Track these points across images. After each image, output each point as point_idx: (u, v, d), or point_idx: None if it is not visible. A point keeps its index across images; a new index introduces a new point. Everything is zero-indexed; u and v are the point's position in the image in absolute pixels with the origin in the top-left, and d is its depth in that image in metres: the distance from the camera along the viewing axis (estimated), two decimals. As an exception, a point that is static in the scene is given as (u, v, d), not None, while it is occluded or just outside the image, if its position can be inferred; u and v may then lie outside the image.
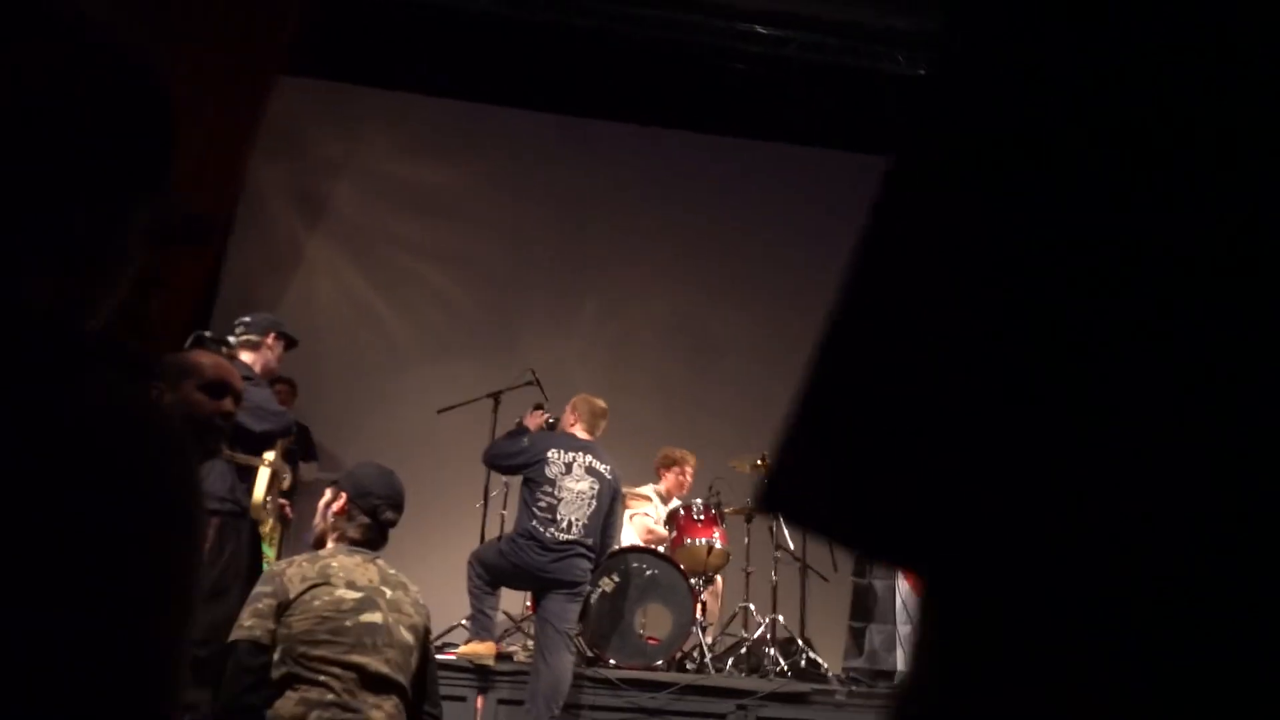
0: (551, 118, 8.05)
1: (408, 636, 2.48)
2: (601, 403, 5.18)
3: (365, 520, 2.57)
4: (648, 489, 6.03)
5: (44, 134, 0.63)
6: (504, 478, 5.44)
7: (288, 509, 4.64)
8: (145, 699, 0.55)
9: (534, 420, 5.15)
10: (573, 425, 5.08)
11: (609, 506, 4.95)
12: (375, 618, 2.44)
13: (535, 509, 4.73)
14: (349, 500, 2.59)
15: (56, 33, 0.64)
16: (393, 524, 2.66)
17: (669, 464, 6.03)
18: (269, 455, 4.10)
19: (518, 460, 4.85)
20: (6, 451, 0.54)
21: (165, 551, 0.58)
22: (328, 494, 2.66)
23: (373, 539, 2.60)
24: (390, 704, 2.37)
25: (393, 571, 2.63)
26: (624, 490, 5.87)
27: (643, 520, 5.90)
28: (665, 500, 5.99)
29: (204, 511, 0.63)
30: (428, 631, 2.64)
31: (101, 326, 0.68)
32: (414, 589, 2.67)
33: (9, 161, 0.61)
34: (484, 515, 5.63)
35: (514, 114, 7.98)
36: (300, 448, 5.62)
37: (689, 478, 6.05)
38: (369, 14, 7.16)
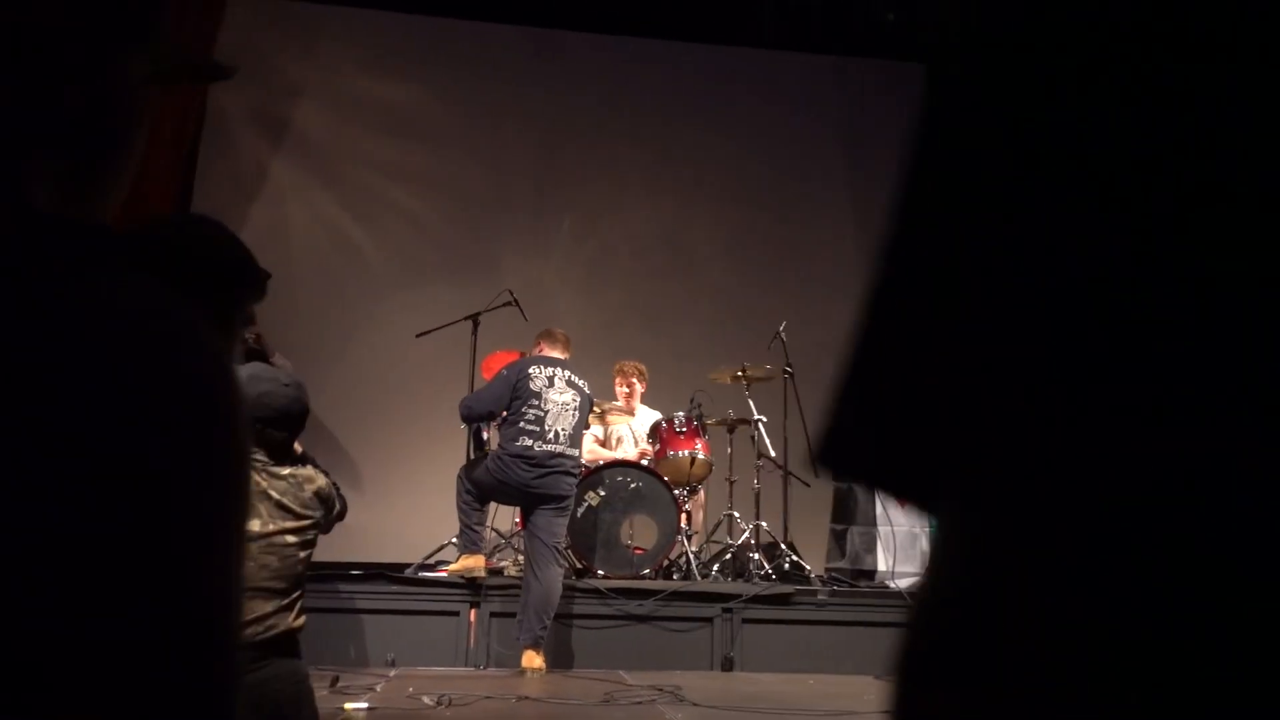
0: (522, 30, 7.86)
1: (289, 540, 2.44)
2: (562, 331, 5.27)
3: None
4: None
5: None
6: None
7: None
8: (213, 651, 0.48)
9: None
10: (542, 350, 5.14)
11: (585, 419, 5.06)
12: (254, 526, 2.38)
13: (524, 423, 4.78)
14: None
15: None
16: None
17: (618, 375, 6.06)
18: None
19: (500, 396, 4.86)
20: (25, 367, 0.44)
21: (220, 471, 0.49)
22: None
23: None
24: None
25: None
26: (605, 406, 5.93)
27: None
28: (628, 412, 6.02)
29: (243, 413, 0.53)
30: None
31: (112, 210, 0.58)
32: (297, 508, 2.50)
33: None
34: (468, 434, 5.69)
35: (483, 28, 7.79)
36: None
37: (635, 386, 6.02)
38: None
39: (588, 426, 5.31)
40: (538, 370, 4.91)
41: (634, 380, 6.01)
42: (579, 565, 5.22)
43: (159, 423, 0.47)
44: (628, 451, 5.99)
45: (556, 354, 5.10)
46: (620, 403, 6.05)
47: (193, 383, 0.49)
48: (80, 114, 0.54)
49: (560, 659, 4.86)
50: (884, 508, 5.64)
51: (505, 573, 5.19)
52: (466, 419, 5.09)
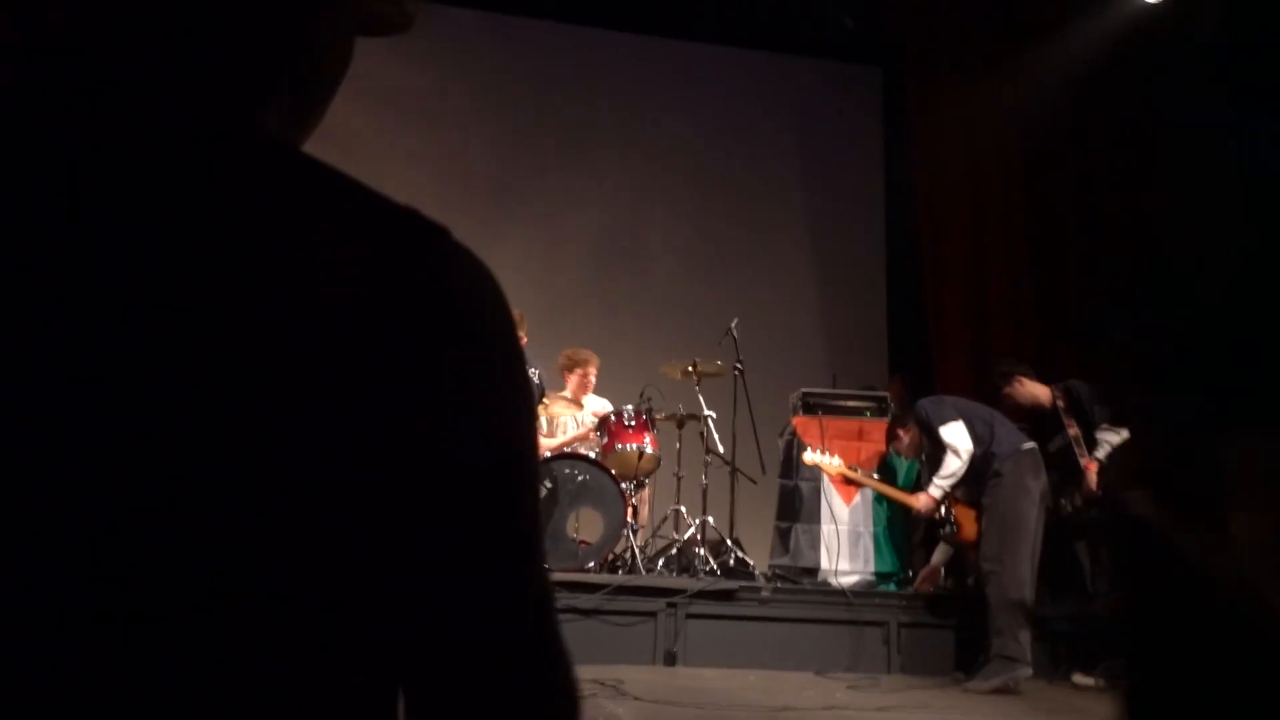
0: (485, 16, 7.78)
1: None
2: (516, 310, 5.19)
3: None
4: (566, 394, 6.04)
5: None
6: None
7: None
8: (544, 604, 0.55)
9: None
10: None
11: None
12: None
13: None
14: None
15: None
16: None
17: (571, 365, 6.03)
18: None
19: None
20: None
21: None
22: None
23: None
24: None
25: None
26: (556, 396, 5.91)
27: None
28: (575, 403, 6.00)
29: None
30: None
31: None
32: None
33: None
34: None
35: (443, 10, 7.69)
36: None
37: (592, 379, 6.03)
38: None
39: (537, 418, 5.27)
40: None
41: (591, 372, 5.99)
42: (524, 557, 5.19)
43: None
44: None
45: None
46: (568, 394, 6.01)
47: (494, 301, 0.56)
48: (299, 59, 0.56)
49: (502, 650, 4.83)
50: (829, 506, 5.69)
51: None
52: None
